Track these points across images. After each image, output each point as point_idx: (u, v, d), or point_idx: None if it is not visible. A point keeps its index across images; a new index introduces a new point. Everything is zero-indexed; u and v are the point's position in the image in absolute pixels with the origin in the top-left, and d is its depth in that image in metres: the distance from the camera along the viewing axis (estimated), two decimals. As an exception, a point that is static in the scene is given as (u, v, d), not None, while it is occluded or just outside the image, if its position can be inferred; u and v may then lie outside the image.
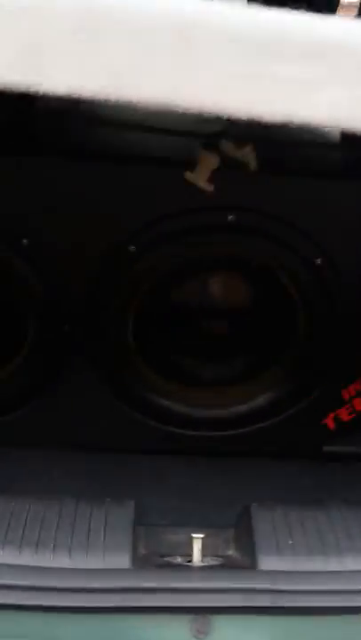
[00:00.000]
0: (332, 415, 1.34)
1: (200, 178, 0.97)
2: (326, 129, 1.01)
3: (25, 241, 1.16)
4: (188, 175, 1.01)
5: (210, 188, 1.02)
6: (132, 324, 1.28)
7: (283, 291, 1.24)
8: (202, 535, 0.80)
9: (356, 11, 0.90)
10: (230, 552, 0.85)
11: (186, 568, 0.76)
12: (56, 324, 1.26)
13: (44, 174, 1.13)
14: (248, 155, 0.88)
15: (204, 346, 1.37)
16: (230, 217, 1.13)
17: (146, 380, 1.34)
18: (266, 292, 1.29)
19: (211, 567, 0.77)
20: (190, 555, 0.82)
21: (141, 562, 0.77)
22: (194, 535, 0.80)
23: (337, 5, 0.88)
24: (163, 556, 0.83)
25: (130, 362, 1.31)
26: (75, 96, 0.38)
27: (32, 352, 1.28)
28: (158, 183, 1.13)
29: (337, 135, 1.11)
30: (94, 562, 0.74)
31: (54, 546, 0.76)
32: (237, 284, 1.31)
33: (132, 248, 1.17)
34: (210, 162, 0.95)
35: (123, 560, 0.74)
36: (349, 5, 0.89)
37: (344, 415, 1.34)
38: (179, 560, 0.81)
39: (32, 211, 1.15)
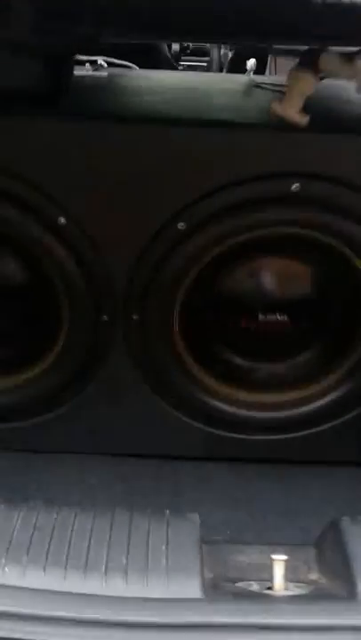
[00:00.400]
0: None
1: (291, 107, 0.80)
2: None
3: (62, 219, 1.02)
4: (275, 106, 0.85)
5: (304, 120, 0.87)
6: (178, 315, 1.13)
7: (356, 277, 1.08)
8: (285, 557, 0.65)
9: None
10: (314, 577, 0.70)
11: (270, 598, 0.61)
12: (93, 314, 1.12)
13: (83, 143, 0.99)
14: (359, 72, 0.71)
15: (260, 341, 1.22)
16: (294, 186, 0.98)
17: (193, 378, 1.20)
18: (334, 279, 1.14)
19: (300, 597, 0.62)
20: (267, 580, 0.67)
21: (213, 589, 0.62)
22: (275, 557, 0.65)
23: None
24: (234, 581, 0.68)
25: (175, 358, 1.17)
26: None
27: (66, 346, 1.15)
28: (210, 151, 0.99)
29: None
30: (157, 589, 0.60)
31: (106, 568, 0.62)
32: (301, 268, 1.15)
33: (182, 225, 1.03)
34: (305, 85, 0.78)
35: (192, 588, 0.60)
36: None
37: None
38: (255, 587, 0.66)
39: (69, 185, 1.01)
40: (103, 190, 1.02)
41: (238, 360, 1.24)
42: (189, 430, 1.24)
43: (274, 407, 1.23)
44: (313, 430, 1.23)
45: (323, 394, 1.21)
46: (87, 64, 1.50)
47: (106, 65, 1.56)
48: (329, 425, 1.23)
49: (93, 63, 1.55)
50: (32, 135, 0.98)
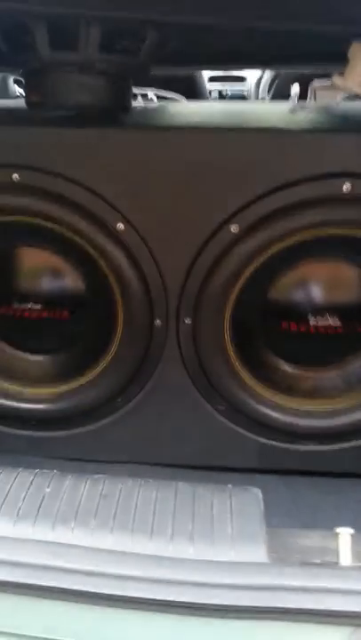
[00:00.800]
0: None
1: (352, 79, 0.84)
2: None
3: (120, 225, 1.08)
4: (337, 79, 0.89)
5: None
6: (229, 320, 1.15)
7: None
8: (351, 530, 0.64)
9: None
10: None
11: (337, 566, 0.61)
12: (147, 319, 1.15)
13: (141, 152, 1.06)
14: None
15: (310, 347, 1.23)
16: (345, 186, 1.02)
17: (243, 384, 1.20)
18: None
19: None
20: (332, 561, 0.66)
21: (280, 558, 0.62)
22: (339, 530, 0.64)
23: None
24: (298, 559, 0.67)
25: (225, 363, 1.18)
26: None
27: (120, 352, 1.17)
28: (262, 155, 1.04)
29: None
30: (223, 554, 0.60)
31: (173, 533, 0.62)
32: (352, 271, 1.17)
33: (234, 228, 1.07)
34: None
35: (258, 553, 0.60)
36: None
37: None
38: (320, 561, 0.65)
39: (128, 192, 1.07)
40: (159, 196, 1.07)
41: (288, 366, 1.24)
42: (239, 439, 1.23)
43: (326, 415, 1.22)
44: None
45: None
46: (139, 97, 1.61)
47: (155, 98, 1.67)
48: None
49: (144, 96, 1.66)
50: (97, 145, 1.05)
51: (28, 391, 1.21)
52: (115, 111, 1.16)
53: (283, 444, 1.24)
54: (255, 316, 1.21)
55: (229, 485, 0.70)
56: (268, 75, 3.10)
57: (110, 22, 1.01)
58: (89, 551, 0.59)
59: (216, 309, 1.14)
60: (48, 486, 0.67)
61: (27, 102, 1.14)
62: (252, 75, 3.89)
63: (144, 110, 1.34)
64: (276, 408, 1.21)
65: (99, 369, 1.18)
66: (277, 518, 1.12)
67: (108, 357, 1.17)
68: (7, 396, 1.21)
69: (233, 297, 1.13)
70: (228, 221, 1.07)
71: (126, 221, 1.07)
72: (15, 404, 1.21)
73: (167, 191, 1.07)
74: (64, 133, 1.05)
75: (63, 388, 1.20)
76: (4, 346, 1.25)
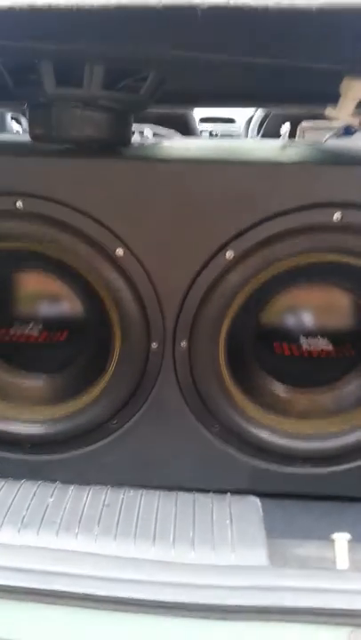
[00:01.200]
0: None
1: (344, 111, 0.91)
2: None
3: (120, 251, 1.12)
4: (330, 111, 0.96)
5: (356, 121, 0.97)
6: (224, 343, 1.19)
7: None
8: (348, 536, 0.66)
9: None
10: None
11: (334, 569, 0.62)
12: (144, 342, 1.18)
13: (140, 182, 1.11)
14: None
15: (303, 369, 1.26)
16: (336, 215, 1.07)
17: (237, 406, 1.23)
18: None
19: (364, 571, 0.63)
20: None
21: (280, 561, 0.64)
22: (335, 536, 0.66)
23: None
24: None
25: (220, 385, 1.21)
26: None
27: (116, 375, 1.20)
28: (257, 185, 1.09)
29: None
30: (223, 558, 0.61)
31: (174, 539, 0.64)
32: (343, 295, 1.21)
33: (230, 254, 1.11)
34: (357, 91, 0.89)
35: (258, 557, 0.61)
36: None
37: None
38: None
39: (126, 218, 1.11)
40: (157, 224, 1.12)
41: (281, 389, 1.27)
42: (233, 461, 1.25)
43: (318, 437, 1.24)
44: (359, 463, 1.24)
45: None
46: (135, 133, 1.68)
47: (151, 134, 1.74)
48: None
49: (141, 133, 1.74)
50: (98, 176, 1.10)
51: (25, 414, 1.23)
52: (116, 144, 1.21)
53: (276, 466, 1.26)
54: (249, 339, 1.24)
55: (228, 494, 0.72)
56: (258, 115, 3.23)
57: (113, 61, 1.07)
58: (93, 557, 0.60)
59: (211, 333, 1.17)
60: (51, 496, 0.68)
61: (31, 135, 1.19)
62: (241, 116, 4.04)
63: (142, 145, 1.40)
64: (270, 430, 1.24)
65: (96, 391, 1.20)
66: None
67: (105, 380, 1.19)
68: (3, 418, 1.22)
69: (228, 320, 1.17)
70: (223, 248, 1.11)
71: (125, 247, 1.12)
72: (11, 427, 1.22)
73: (165, 219, 1.11)
74: (67, 163, 1.10)
75: (60, 410, 1.22)
76: (3, 367, 1.27)
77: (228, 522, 0.65)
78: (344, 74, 0.93)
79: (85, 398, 1.21)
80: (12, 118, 2.60)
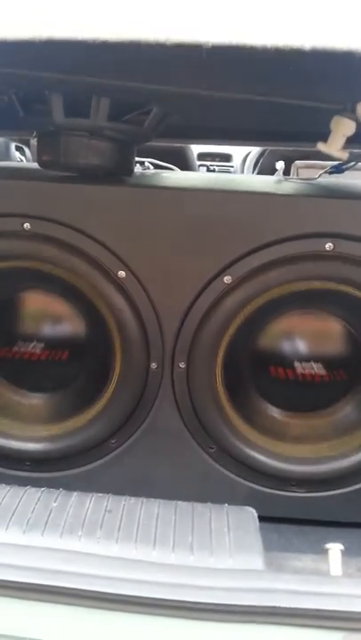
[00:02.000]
0: None
1: (334, 146, 0.98)
2: None
3: (122, 273, 1.16)
4: (321, 146, 1.02)
5: (344, 156, 1.03)
6: (222, 365, 1.22)
7: None
8: (341, 546, 0.68)
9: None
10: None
11: (328, 575, 0.64)
12: (144, 363, 1.22)
13: (144, 207, 1.16)
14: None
15: (297, 393, 1.29)
16: (328, 245, 1.12)
17: (233, 428, 1.25)
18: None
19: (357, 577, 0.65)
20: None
21: (276, 569, 0.66)
22: (329, 546, 0.69)
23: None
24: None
25: (217, 407, 1.24)
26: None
27: (116, 394, 1.23)
28: (255, 214, 1.15)
29: None
30: (221, 563, 0.63)
31: (174, 544, 0.66)
32: (335, 322, 1.25)
33: (228, 279, 1.16)
34: (346, 128, 0.96)
35: (255, 561, 0.63)
36: None
37: None
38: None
39: (129, 242, 1.16)
40: (159, 248, 1.16)
41: (277, 412, 1.30)
42: (230, 483, 1.27)
43: (313, 461, 1.26)
44: (356, 487, 1.25)
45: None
46: (137, 165, 1.75)
47: (152, 167, 1.81)
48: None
49: (142, 164, 1.81)
50: (103, 201, 1.15)
51: (25, 431, 1.25)
52: (119, 173, 1.27)
53: (272, 489, 1.27)
54: (246, 362, 1.28)
55: (226, 504, 0.74)
56: (253, 153, 3.34)
57: (119, 95, 1.14)
58: (96, 557, 0.62)
59: (209, 355, 1.21)
60: (55, 501, 0.70)
61: (39, 161, 1.25)
62: (238, 153, 4.16)
63: (145, 175, 1.47)
64: (265, 453, 1.26)
65: (95, 410, 1.23)
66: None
67: (105, 399, 1.22)
68: (3, 434, 1.24)
69: (225, 343, 1.21)
70: (221, 272, 1.16)
71: (127, 269, 1.16)
72: (10, 444, 1.24)
73: (166, 243, 1.16)
74: (73, 188, 1.16)
75: (60, 428, 1.24)
76: (4, 384, 1.29)
77: (225, 529, 0.67)
78: (334, 112, 1.00)
79: (85, 417, 1.24)
80: (16, 148, 2.69)
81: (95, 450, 1.25)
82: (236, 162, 4.21)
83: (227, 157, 4.52)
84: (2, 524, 0.62)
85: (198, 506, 0.73)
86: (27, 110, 1.20)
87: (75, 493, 0.75)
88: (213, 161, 4.48)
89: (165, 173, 1.58)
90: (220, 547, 0.65)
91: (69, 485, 1.25)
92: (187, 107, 1.23)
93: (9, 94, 1.18)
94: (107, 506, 0.71)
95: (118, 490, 1.25)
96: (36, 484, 1.25)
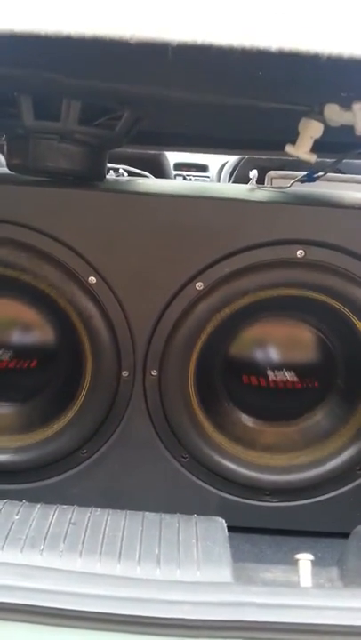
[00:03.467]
0: None
1: (302, 149, 0.97)
2: None
3: (93, 279, 1.14)
4: (289, 148, 1.02)
5: (313, 158, 1.02)
6: (194, 373, 1.21)
7: (357, 338, 1.18)
8: (310, 556, 0.67)
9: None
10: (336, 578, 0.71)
11: (298, 587, 0.63)
12: (115, 371, 1.19)
13: (114, 213, 1.14)
14: (357, 115, 0.88)
15: (269, 401, 1.28)
16: (299, 252, 1.12)
17: (205, 436, 1.23)
18: (338, 340, 1.23)
19: (328, 588, 0.64)
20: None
21: (245, 582, 0.64)
22: (299, 556, 0.67)
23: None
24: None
25: (189, 415, 1.22)
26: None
27: (86, 403, 1.20)
28: (227, 220, 1.14)
29: None
30: (189, 575, 0.61)
31: (140, 557, 0.64)
32: (306, 329, 1.25)
33: (200, 285, 1.15)
34: (313, 130, 0.96)
35: (223, 574, 0.61)
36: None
37: None
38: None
39: (101, 248, 1.14)
40: (130, 254, 1.15)
41: (249, 420, 1.29)
42: (202, 493, 1.25)
43: (284, 470, 1.25)
44: (328, 496, 1.24)
45: (334, 455, 1.24)
46: (110, 171, 1.74)
47: (126, 174, 1.80)
48: (342, 491, 1.24)
49: (115, 171, 1.79)
50: (73, 205, 1.13)
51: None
52: (90, 178, 1.25)
53: (245, 499, 1.26)
54: (218, 369, 1.26)
55: (195, 515, 0.72)
56: (230, 163, 3.36)
57: (89, 97, 1.12)
58: (57, 572, 0.60)
59: (181, 362, 1.19)
60: (17, 514, 0.67)
61: (8, 165, 1.23)
62: (214, 163, 4.18)
63: (117, 181, 1.45)
64: (238, 461, 1.24)
65: (65, 420, 1.20)
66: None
67: (75, 408, 1.19)
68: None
69: (197, 350, 1.19)
70: (193, 279, 1.15)
71: (98, 275, 1.14)
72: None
73: (138, 249, 1.15)
74: (43, 192, 1.14)
75: (29, 438, 1.21)
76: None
77: (193, 541, 0.65)
78: (302, 114, 1.00)
79: (55, 427, 1.20)
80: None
81: (65, 461, 1.22)
82: (213, 172, 4.24)
83: (203, 168, 4.54)
84: None
85: (167, 517, 0.71)
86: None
87: (38, 505, 0.72)
88: (190, 171, 4.50)
89: (139, 180, 1.56)
90: (187, 559, 0.63)
91: (38, 498, 1.21)
92: (158, 111, 1.22)
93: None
94: (71, 518, 0.68)
95: (89, 501, 1.22)
96: (4, 496, 1.23)
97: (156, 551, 0.64)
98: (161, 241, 1.14)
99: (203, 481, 1.25)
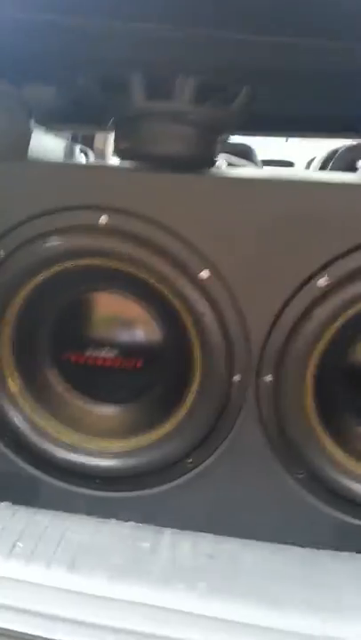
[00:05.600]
0: None
1: None
2: None
3: (205, 273, 1.04)
4: None
5: None
6: (313, 379, 1.07)
7: None
8: None
9: None
10: None
11: None
12: (226, 374, 1.08)
13: (231, 201, 1.03)
14: None
15: None
16: None
17: (325, 452, 1.10)
18: None
19: None
20: None
21: None
22: None
23: None
24: None
25: (306, 426, 1.09)
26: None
27: (195, 407, 1.10)
28: (355, 207, 1.00)
29: None
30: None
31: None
32: None
33: (323, 281, 1.01)
34: None
35: None
36: None
37: None
38: None
39: (215, 239, 1.04)
40: (247, 246, 1.03)
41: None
42: (319, 514, 1.11)
43: None
44: None
45: None
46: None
47: (226, 163, 1.69)
48: None
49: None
50: (187, 192, 1.03)
51: (95, 445, 1.13)
52: (202, 164, 1.15)
53: None
54: (341, 377, 1.12)
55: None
56: (318, 159, 3.17)
57: (207, 73, 1.02)
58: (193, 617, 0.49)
59: (299, 367, 1.06)
60: (147, 541, 0.58)
61: (115, 151, 1.15)
62: (300, 160, 4.02)
63: (225, 168, 1.34)
64: (358, 480, 1.10)
65: (171, 425, 1.11)
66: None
67: (182, 412, 1.09)
68: (72, 448, 1.13)
69: (318, 355, 1.06)
70: (316, 275, 1.02)
71: (212, 269, 1.04)
72: (80, 459, 1.13)
73: (255, 241, 1.03)
74: (156, 178, 1.04)
75: (133, 443, 1.12)
76: (74, 395, 1.18)
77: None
78: None
79: (159, 432, 1.11)
80: (80, 152, 2.63)
81: (169, 470, 1.13)
82: (300, 168, 4.07)
83: (289, 164, 4.40)
84: (88, 572, 0.50)
85: (311, 552, 0.59)
86: (105, 94, 1.10)
87: (168, 531, 0.62)
88: (275, 168, 4.36)
89: (247, 168, 1.45)
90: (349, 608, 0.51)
91: (139, 507, 1.14)
92: (280, 89, 1.10)
93: (86, 78, 1.09)
94: (207, 549, 0.58)
95: (190, 516, 1.14)
96: (102, 504, 1.15)
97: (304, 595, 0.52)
98: (282, 231, 1.02)
99: (320, 500, 1.11)
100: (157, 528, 0.61)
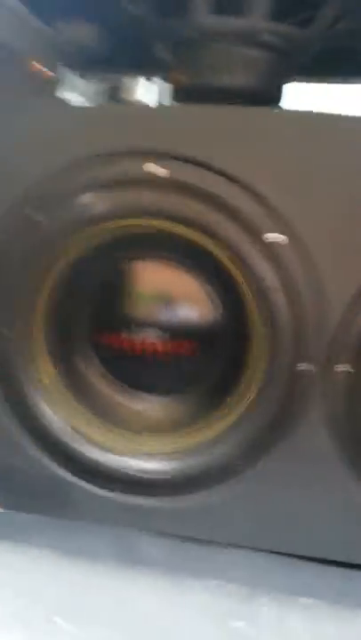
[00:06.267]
0: None
1: None
2: None
3: (280, 237, 0.84)
4: None
5: None
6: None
7: None
8: None
9: None
10: None
11: None
12: (292, 361, 0.90)
13: (311, 141, 0.82)
14: None
15: None
16: None
17: None
18: None
19: None
20: None
21: None
22: None
23: None
24: None
25: None
26: None
27: (257, 400, 0.91)
28: None
29: None
30: None
31: None
32: None
33: None
34: None
35: None
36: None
37: None
38: None
39: (292, 193, 0.83)
40: (332, 203, 0.83)
41: None
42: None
43: None
44: None
45: None
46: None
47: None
48: None
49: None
50: (257, 134, 0.82)
51: (132, 443, 0.95)
52: (270, 100, 0.93)
53: None
54: None
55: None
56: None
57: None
58: None
59: None
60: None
61: (172, 81, 0.93)
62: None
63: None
64: None
65: (227, 421, 0.92)
66: None
67: (243, 406, 0.91)
68: (109, 448, 0.95)
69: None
70: None
71: (289, 232, 0.83)
72: (110, 459, 0.95)
73: (341, 196, 0.83)
74: (218, 113, 0.83)
75: (181, 442, 0.94)
76: (112, 384, 0.99)
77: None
78: None
79: (216, 428, 0.93)
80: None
81: (218, 473, 0.95)
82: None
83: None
84: None
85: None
86: (161, 12, 0.87)
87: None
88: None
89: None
90: None
91: (181, 518, 0.97)
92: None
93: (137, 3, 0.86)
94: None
95: (240, 528, 0.97)
96: (134, 511, 0.98)
97: None
98: None
99: None
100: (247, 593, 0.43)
